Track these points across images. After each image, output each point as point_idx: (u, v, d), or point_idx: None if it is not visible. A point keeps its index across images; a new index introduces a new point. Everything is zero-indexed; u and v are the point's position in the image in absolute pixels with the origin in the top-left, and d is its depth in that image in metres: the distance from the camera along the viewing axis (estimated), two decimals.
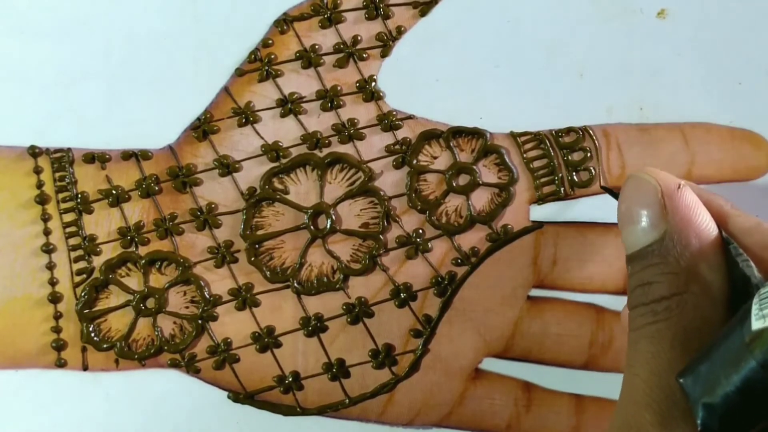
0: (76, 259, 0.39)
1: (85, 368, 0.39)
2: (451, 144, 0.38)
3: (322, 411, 0.38)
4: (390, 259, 0.38)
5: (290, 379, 0.38)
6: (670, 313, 0.27)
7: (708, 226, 0.28)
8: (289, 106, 0.39)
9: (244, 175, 0.39)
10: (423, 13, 0.39)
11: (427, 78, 0.39)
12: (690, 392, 0.25)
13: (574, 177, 0.38)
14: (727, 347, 0.25)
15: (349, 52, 0.39)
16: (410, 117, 0.39)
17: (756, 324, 0.24)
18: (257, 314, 0.38)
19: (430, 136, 0.38)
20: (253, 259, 0.38)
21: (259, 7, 0.39)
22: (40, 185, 0.39)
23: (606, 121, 0.38)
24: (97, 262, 0.39)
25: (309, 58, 0.39)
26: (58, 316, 0.39)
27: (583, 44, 0.38)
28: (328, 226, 0.38)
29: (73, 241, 0.39)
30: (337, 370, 0.38)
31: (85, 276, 0.39)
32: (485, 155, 0.38)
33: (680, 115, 0.38)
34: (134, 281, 0.39)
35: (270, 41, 0.39)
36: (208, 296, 0.38)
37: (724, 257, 0.28)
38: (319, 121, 0.39)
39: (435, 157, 0.38)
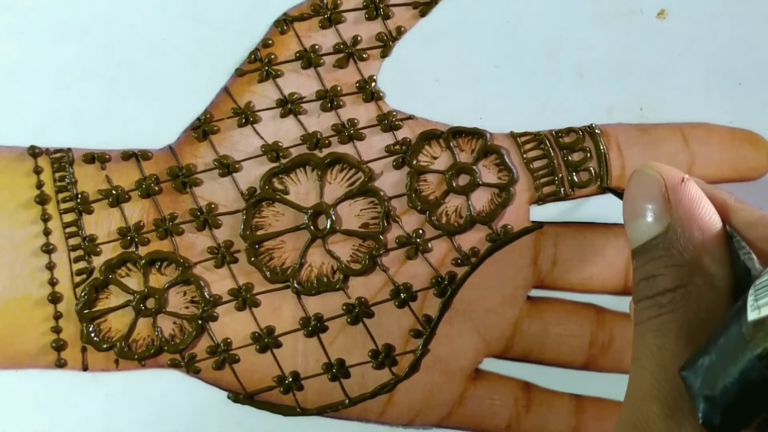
0: (76, 259, 0.39)
1: (85, 368, 0.39)
2: (451, 144, 0.38)
3: (322, 411, 0.38)
4: (390, 259, 0.38)
5: (290, 380, 0.38)
6: (675, 305, 0.27)
7: (712, 219, 0.28)
8: (289, 106, 0.39)
9: (244, 176, 0.39)
10: (423, 14, 0.39)
11: (427, 78, 0.39)
12: (691, 386, 0.25)
13: (574, 177, 0.38)
14: (726, 340, 0.25)
15: (349, 53, 0.39)
16: (410, 117, 0.39)
17: (751, 315, 0.24)
18: (257, 314, 0.38)
19: (430, 136, 0.38)
20: (253, 259, 0.38)
21: (259, 7, 0.39)
22: (40, 185, 0.39)
23: (606, 121, 0.38)
24: (97, 262, 0.39)
25: (309, 59, 0.39)
26: (58, 316, 0.39)
27: (583, 44, 0.38)
28: (328, 227, 0.38)
29: (73, 241, 0.39)
30: (337, 370, 0.38)
31: (85, 276, 0.39)
32: (485, 155, 0.38)
33: (680, 115, 0.38)
34: (134, 281, 0.39)
35: (270, 41, 0.39)
36: (208, 296, 0.38)
37: (728, 250, 0.28)
38: (319, 122, 0.39)
39: (435, 158, 0.38)
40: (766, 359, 0.23)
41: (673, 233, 0.28)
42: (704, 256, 0.28)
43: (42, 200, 0.39)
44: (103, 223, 0.39)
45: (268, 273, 0.38)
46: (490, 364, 0.38)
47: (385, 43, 0.39)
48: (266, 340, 0.38)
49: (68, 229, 0.39)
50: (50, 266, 0.39)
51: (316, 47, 0.39)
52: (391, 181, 0.38)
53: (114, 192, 0.39)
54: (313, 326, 0.38)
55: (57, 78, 0.40)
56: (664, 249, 0.28)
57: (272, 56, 0.39)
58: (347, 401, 0.38)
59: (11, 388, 0.39)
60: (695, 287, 0.27)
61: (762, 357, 0.23)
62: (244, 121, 0.39)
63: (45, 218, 0.39)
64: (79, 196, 0.39)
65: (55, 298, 0.39)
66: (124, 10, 0.40)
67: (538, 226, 0.38)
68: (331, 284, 0.38)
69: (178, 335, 0.38)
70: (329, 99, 0.39)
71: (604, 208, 0.38)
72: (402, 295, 0.38)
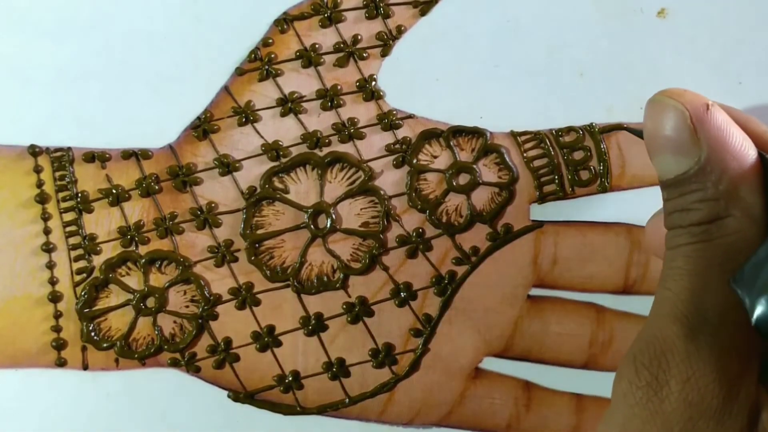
0: (76, 258, 0.39)
1: (85, 367, 0.39)
2: (452, 143, 0.38)
3: (322, 410, 0.38)
4: (390, 258, 0.38)
5: (290, 379, 0.38)
6: (710, 235, 0.26)
7: (743, 146, 0.27)
8: (290, 105, 0.39)
9: (244, 175, 0.39)
10: (423, 13, 0.39)
11: (427, 78, 0.39)
12: (743, 292, 0.25)
13: (575, 176, 0.38)
14: None
15: (349, 52, 0.39)
16: (410, 116, 0.39)
17: None
18: (257, 313, 0.38)
19: (431, 135, 0.38)
20: (253, 258, 0.38)
21: (259, 7, 0.39)
22: (40, 184, 0.39)
23: (606, 121, 0.38)
24: (97, 261, 0.39)
25: (309, 58, 0.39)
26: (58, 315, 0.39)
27: (583, 44, 0.38)
28: (328, 226, 0.38)
29: (73, 240, 0.39)
30: (337, 369, 0.38)
31: (85, 275, 0.39)
32: (485, 154, 0.38)
33: None
34: (134, 280, 0.39)
35: (270, 40, 0.39)
36: (208, 295, 0.38)
37: (763, 176, 0.27)
38: (319, 121, 0.39)
39: (435, 157, 0.38)
40: None
41: (706, 165, 0.26)
42: (741, 187, 0.26)
43: (42, 199, 0.39)
44: (103, 222, 0.39)
45: (268, 272, 0.38)
46: (490, 364, 0.38)
47: (386, 42, 0.39)
48: (266, 339, 0.38)
49: (68, 228, 0.39)
50: (50, 265, 0.39)
51: (317, 46, 0.39)
52: (391, 180, 0.38)
53: (114, 191, 0.39)
54: (314, 325, 0.38)
55: (57, 78, 0.40)
56: (698, 183, 0.26)
57: (272, 55, 0.39)
58: (347, 400, 0.38)
59: (11, 387, 0.39)
60: (732, 219, 0.26)
61: None
62: (244, 120, 0.39)
63: (45, 217, 0.39)
64: (79, 195, 0.39)
65: (55, 297, 0.38)
66: (124, 10, 0.40)
67: (539, 225, 0.38)
68: (331, 283, 0.38)
69: (179, 334, 0.38)
70: (329, 98, 0.39)
71: (604, 207, 0.38)
72: (402, 294, 0.38)
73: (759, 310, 0.24)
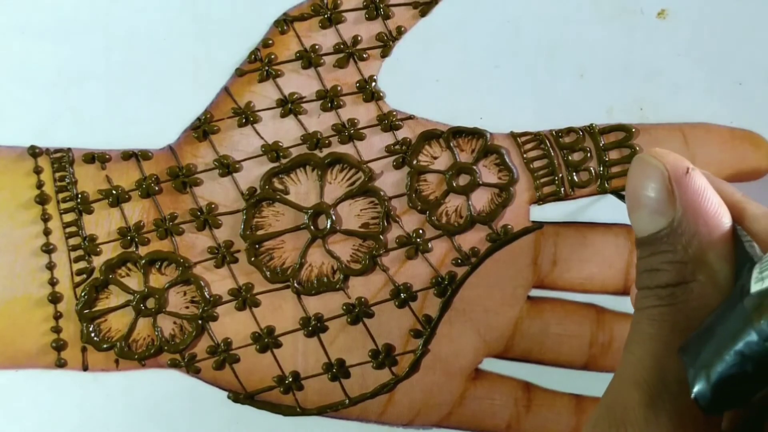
0: (76, 259, 0.39)
1: (85, 368, 0.39)
2: (451, 144, 0.38)
3: (322, 411, 0.38)
4: (390, 259, 0.38)
5: (290, 379, 0.38)
6: (675, 299, 0.27)
7: (718, 213, 0.27)
8: (289, 106, 0.39)
9: (244, 175, 0.39)
10: (423, 13, 0.39)
11: (427, 78, 0.39)
12: (687, 363, 0.25)
13: (574, 177, 0.38)
14: (725, 318, 0.24)
15: (349, 52, 0.39)
16: (410, 117, 0.39)
17: (755, 287, 0.24)
18: (257, 314, 0.38)
19: (430, 136, 0.38)
20: (253, 259, 0.38)
21: (259, 7, 0.39)
22: (40, 185, 0.39)
23: (606, 121, 0.38)
24: (97, 262, 0.39)
25: (309, 58, 0.39)
26: (58, 316, 0.39)
27: (583, 44, 0.38)
28: (328, 226, 0.38)
29: (73, 241, 0.39)
30: (337, 370, 0.38)
31: (85, 276, 0.39)
32: (485, 155, 0.38)
33: (680, 115, 0.38)
34: (134, 281, 0.39)
35: (270, 41, 0.39)
36: (208, 296, 0.38)
37: (733, 245, 0.27)
38: (319, 121, 0.39)
39: (435, 158, 0.38)
40: (766, 331, 0.23)
41: (678, 227, 0.27)
42: (709, 253, 0.27)
43: (42, 200, 0.39)
44: (103, 223, 0.39)
45: (268, 273, 0.38)
46: (490, 364, 0.38)
47: (386, 43, 0.39)
48: (266, 340, 0.38)
49: (68, 229, 0.39)
50: (50, 266, 0.39)
51: (317, 47, 0.39)
52: (391, 181, 0.38)
53: (114, 192, 0.39)
54: (313, 326, 0.38)
55: (57, 78, 0.40)
56: (668, 244, 0.27)
57: (272, 56, 0.39)
58: (347, 401, 0.38)
59: (11, 388, 0.39)
60: (698, 284, 0.27)
61: (761, 334, 0.23)
62: (244, 121, 0.39)
63: (45, 218, 0.39)
64: (79, 196, 0.39)
65: (55, 298, 0.39)
66: (124, 10, 0.40)
67: (538, 226, 0.38)
68: (331, 284, 0.38)
69: (178, 335, 0.38)
70: (329, 99, 0.39)
71: (604, 208, 0.38)
72: (402, 295, 0.38)
73: (698, 386, 0.24)
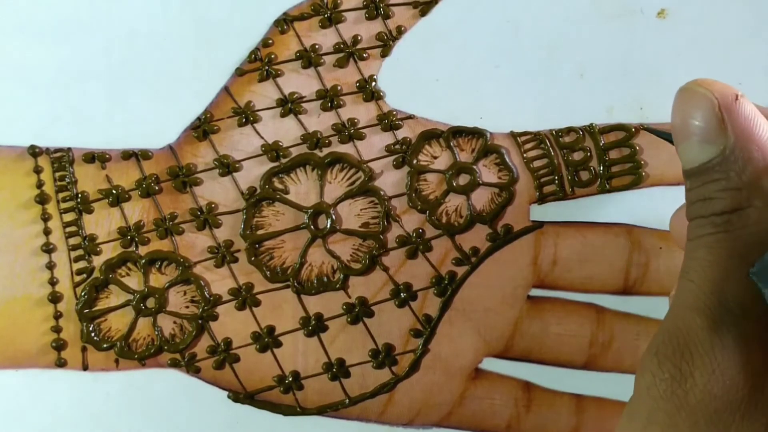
0: (76, 259, 0.39)
1: (85, 368, 0.39)
2: (451, 144, 0.38)
3: (322, 411, 0.38)
4: (390, 258, 0.38)
5: (290, 379, 0.38)
6: (732, 225, 0.26)
7: None
8: (289, 105, 0.39)
9: (244, 175, 0.39)
10: (423, 13, 0.39)
11: (427, 78, 0.39)
12: (763, 285, 0.25)
13: (575, 177, 0.38)
14: None
15: (349, 52, 0.39)
16: (410, 117, 0.39)
17: None
18: (257, 314, 0.38)
19: (430, 135, 0.38)
20: (253, 258, 0.38)
21: (259, 7, 0.39)
22: (40, 185, 0.39)
23: (606, 121, 0.38)
24: (97, 261, 0.39)
25: (309, 58, 0.39)
26: (58, 315, 0.39)
27: (583, 44, 0.38)
28: (328, 226, 0.38)
29: (73, 241, 0.39)
30: (337, 369, 0.38)
31: (85, 276, 0.39)
32: (485, 155, 0.38)
33: None
34: (134, 281, 0.39)
35: (270, 41, 0.39)
36: (208, 296, 0.38)
37: None
38: (319, 121, 0.39)
39: (435, 157, 0.38)
40: None
41: (731, 155, 0.26)
42: (764, 177, 0.26)
43: (42, 200, 0.39)
44: (103, 223, 0.39)
45: (268, 272, 0.38)
46: (490, 364, 0.38)
47: (386, 43, 0.39)
48: (266, 340, 0.38)
49: (68, 229, 0.39)
50: (50, 266, 0.39)
51: (316, 47, 0.39)
52: (391, 180, 0.38)
53: (114, 191, 0.39)
54: (313, 326, 0.38)
55: (57, 78, 0.40)
56: (721, 172, 0.26)
57: (272, 56, 0.39)
58: (347, 401, 0.38)
59: (11, 388, 0.39)
60: (754, 209, 0.26)
61: None
62: (244, 120, 0.39)
63: (45, 218, 0.39)
64: (79, 195, 0.39)
65: (55, 298, 0.38)
66: (124, 10, 0.40)
67: (539, 225, 0.38)
68: (331, 284, 0.38)
69: (179, 335, 0.38)
70: (329, 98, 0.39)
71: (604, 208, 0.38)
72: (402, 295, 0.38)
73: None
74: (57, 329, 0.38)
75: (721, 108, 0.27)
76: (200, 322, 0.38)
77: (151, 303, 0.38)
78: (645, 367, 0.26)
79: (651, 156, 0.37)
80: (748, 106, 0.27)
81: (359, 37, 0.39)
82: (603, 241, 0.38)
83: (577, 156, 0.38)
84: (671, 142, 0.31)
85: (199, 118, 0.39)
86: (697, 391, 0.25)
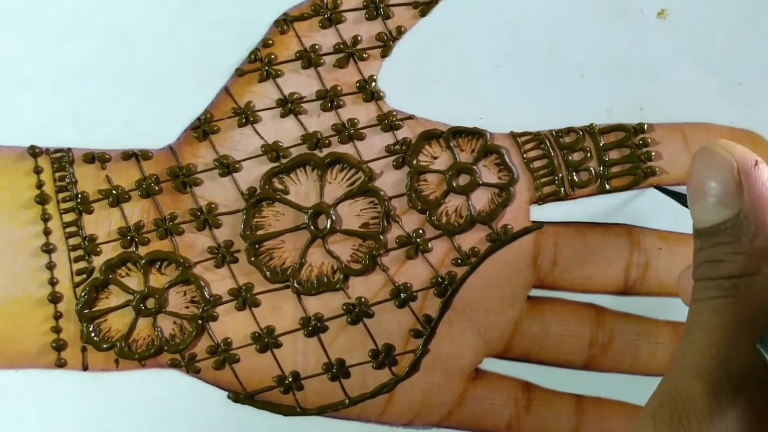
0: (76, 259, 0.39)
1: (85, 368, 0.39)
2: (451, 144, 0.38)
3: (322, 411, 0.38)
4: (390, 259, 0.38)
5: (290, 379, 0.38)
6: (739, 291, 0.26)
7: None
8: (289, 106, 0.39)
9: (244, 175, 0.39)
10: (423, 13, 0.39)
11: (427, 78, 0.39)
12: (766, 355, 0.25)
13: (574, 177, 0.38)
14: None
15: (349, 52, 0.39)
16: (410, 117, 0.39)
17: None
18: (257, 314, 0.38)
19: (430, 136, 0.38)
20: (253, 259, 0.38)
21: (259, 7, 0.39)
22: (40, 185, 0.39)
23: (606, 121, 0.38)
24: (97, 262, 0.39)
25: (309, 58, 0.39)
26: (58, 316, 0.39)
27: (583, 44, 0.38)
28: (328, 226, 0.38)
29: (73, 241, 0.39)
30: (337, 370, 0.38)
31: (85, 276, 0.39)
32: (485, 155, 0.38)
33: (680, 115, 0.38)
34: (134, 281, 0.39)
35: (270, 41, 0.39)
36: (208, 296, 0.38)
37: None
38: (319, 121, 0.39)
39: (435, 157, 0.38)
40: None
41: (744, 219, 0.26)
42: None
43: (42, 200, 0.39)
44: (103, 223, 0.39)
45: (268, 273, 0.38)
46: (490, 364, 0.38)
47: (386, 43, 0.39)
48: (266, 340, 0.38)
49: (68, 229, 0.39)
50: (50, 266, 0.39)
51: (316, 47, 0.39)
52: (391, 180, 0.38)
53: (114, 192, 0.39)
54: (313, 326, 0.38)
55: (57, 78, 0.40)
56: (733, 235, 0.27)
57: (272, 56, 0.39)
58: (347, 401, 0.38)
59: (11, 388, 0.39)
60: (763, 277, 0.26)
61: None
62: (244, 120, 0.39)
63: (45, 218, 0.39)
64: (79, 195, 0.39)
65: (55, 298, 0.39)
66: (124, 10, 0.40)
67: (538, 226, 0.38)
68: (331, 284, 0.38)
69: (178, 335, 0.38)
70: (329, 99, 0.39)
71: (604, 208, 0.38)
72: (402, 295, 0.38)
73: None
74: (57, 329, 0.38)
75: (740, 172, 0.27)
76: (200, 322, 0.38)
77: (151, 303, 0.38)
78: (641, 429, 0.26)
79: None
80: (767, 173, 0.27)
81: (359, 38, 0.39)
82: (603, 241, 0.38)
83: (577, 156, 0.38)
84: (682, 204, 0.31)
85: (199, 119, 0.39)
86: None
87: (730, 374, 0.25)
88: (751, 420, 0.25)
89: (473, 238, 0.38)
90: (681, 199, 0.35)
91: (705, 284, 0.27)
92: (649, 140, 0.37)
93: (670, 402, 0.26)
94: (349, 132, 0.38)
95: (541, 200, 0.38)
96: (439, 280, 0.38)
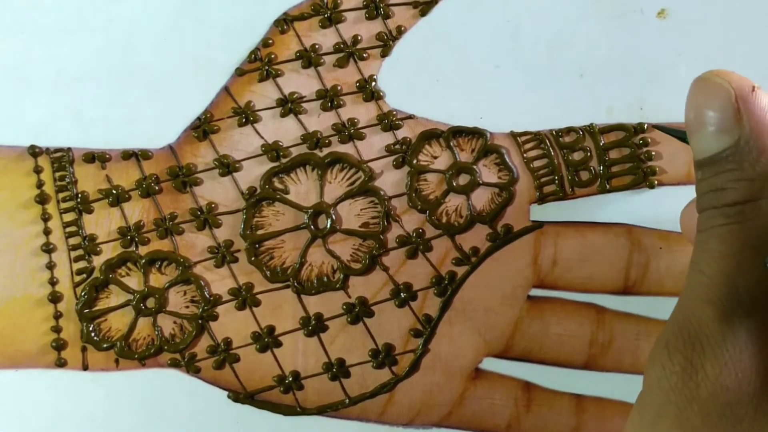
0: (76, 259, 0.39)
1: (85, 368, 0.39)
2: (451, 144, 0.38)
3: (322, 411, 0.38)
4: (390, 258, 0.38)
5: (290, 379, 0.38)
6: (744, 216, 0.26)
7: None
8: (289, 105, 0.39)
9: (244, 175, 0.39)
10: (423, 13, 0.39)
11: (427, 78, 0.39)
12: None
13: (575, 177, 0.38)
14: None
15: (349, 52, 0.39)
16: (410, 117, 0.39)
17: None
18: (257, 314, 0.38)
19: (431, 135, 0.38)
20: (253, 258, 0.38)
21: (259, 7, 0.39)
22: (40, 185, 0.39)
23: (606, 121, 0.38)
24: (97, 261, 0.39)
25: (309, 58, 0.39)
26: (58, 315, 0.39)
27: (583, 44, 0.38)
28: (328, 226, 0.38)
29: (73, 241, 0.39)
30: (337, 369, 0.38)
31: (85, 276, 0.39)
32: (485, 155, 0.38)
33: (680, 115, 0.37)
34: (134, 281, 0.39)
35: (270, 41, 0.39)
36: (208, 296, 0.38)
37: None
38: (319, 121, 0.39)
39: (435, 157, 0.38)
40: None
41: (745, 145, 0.26)
42: None
43: (42, 200, 0.39)
44: (103, 223, 0.39)
45: (268, 272, 0.38)
46: (490, 364, 0.38)
47: (386, 43, 0.39)
48: (266, 340, 0.38)
49: (68, 229, 0.39)
50: (50, 266, 0.39)
51: (317, 47, 0.39)
52: (391, 180, 0.38)
53: (114, 191, 0.39)
54: (313, 326, 0.38)
55: (57, 78, 0.40)
56: (735, 162, 0.26)
57: (272, 56, 0.39)
58: (347, 401, 0.38)
59: (11, 388, 0.39)
60: (767, 201, 0.26)
61: None
62: (244, 120, 0.39)
63: (45, 218, 0.39)
64: (79, 195, 0.39)
65: (55, 298, 0.38)
66: (124, 10, 0.40)
67: (539, 225, 0.38)
68: (331, 284, 0.38)
69: (179, 335, 0.38)
70: (329, 98, 0.39)
71: (604, 208, 0.38)
72: (402, 295, 0.38)
73: None
74: (57, 329, 0.38)
75: (738, 98, 0.27)
76: (200, 322, 0.38)
77: (151, 303, 0.38)
78: (655, 360, 0.26)
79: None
80: (765, 98, 0.27)
81: (359, 37, 0.39)
82: (603, 241, 0.38)
83: (577, 156, 0.38)
84: (682, 140, 0.31)
85: (199, 118, 0.39)
86: (708, 384, 0.25)
87: (740, 298, 0.25)
88: (764, 341, 0.25)
89: (473, 238, 0.38)
90: (681, 135, 0.35)
91: (710, 213, 0.27)
92: (649, 140, 0.37)
93: (683, 331, 0.26)
94: (349, 132, 0.38)
95: (542, 200, 0.38)
96: (440, 279, 0.38)
